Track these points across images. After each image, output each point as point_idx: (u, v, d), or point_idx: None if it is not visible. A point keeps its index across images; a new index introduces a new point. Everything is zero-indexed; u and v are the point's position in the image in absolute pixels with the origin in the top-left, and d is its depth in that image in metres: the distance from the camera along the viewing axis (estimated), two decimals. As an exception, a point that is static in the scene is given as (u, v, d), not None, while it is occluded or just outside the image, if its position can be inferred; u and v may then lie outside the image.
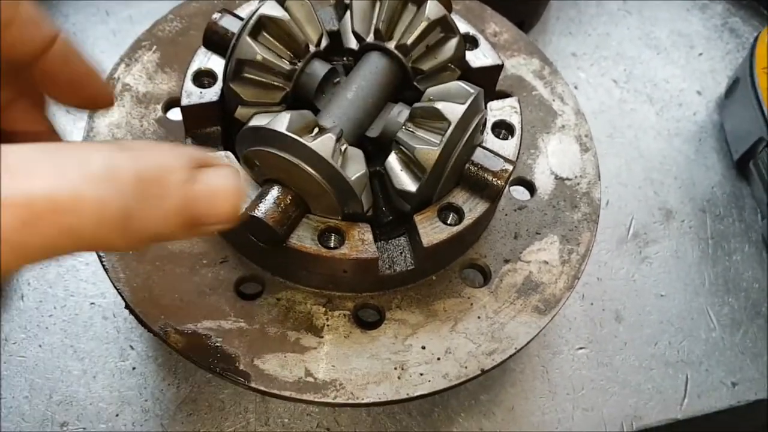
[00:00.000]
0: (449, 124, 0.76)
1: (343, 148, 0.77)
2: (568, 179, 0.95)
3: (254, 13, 0.81)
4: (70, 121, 1.07)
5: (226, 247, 0.86)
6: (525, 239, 0.90)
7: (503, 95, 1.02)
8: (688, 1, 1.44)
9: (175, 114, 0.94)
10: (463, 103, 0.78)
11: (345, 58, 0.95)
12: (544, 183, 0.95)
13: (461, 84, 0.80)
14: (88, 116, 0.92)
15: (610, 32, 1.36)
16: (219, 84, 0.86)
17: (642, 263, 1.12)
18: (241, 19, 0.85)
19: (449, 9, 0.90)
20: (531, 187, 0.94)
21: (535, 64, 1.05)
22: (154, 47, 0.99)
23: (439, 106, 0.77)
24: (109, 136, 0.91)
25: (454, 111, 0.77)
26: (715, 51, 1.38)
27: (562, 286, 0.87)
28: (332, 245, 0.78)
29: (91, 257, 1.00)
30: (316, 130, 0.77)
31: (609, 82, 1.29)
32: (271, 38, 0.81)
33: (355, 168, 0.76)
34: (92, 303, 0.99)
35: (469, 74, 0.91)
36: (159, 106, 0.94)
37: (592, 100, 1.26)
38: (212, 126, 0.87)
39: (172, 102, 0.95)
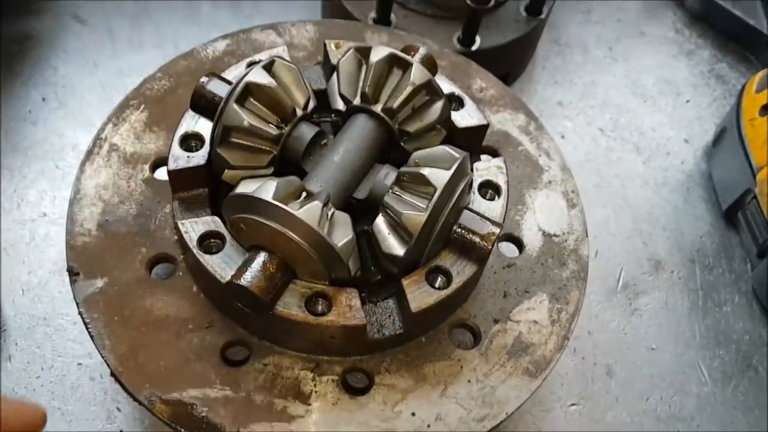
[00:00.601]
0: (435, 189, 0.76)
1: (330, 213, 0.77)
2: (555, 236, 0.95)
3: (241, 79, 0.81)
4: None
5: (212, 311, 0.85)
6: (514, 298, 0.90)
7: (490, 151, 1.03)
8: (675, 47, 1.46)
9: (163, 174, 0.94)
10: (448, 169, 0.78)
11: (332, 116, 0.96)
12: (532, 240, 0.95)
13: (447, 149, 0.81)
14: (75, 177, 0.92)
15: (596, 80, 1.37)
16: (206, 147, 0.86)
17: (632, 315, 1.12)
18: (229, 82, 0.86)
19: (434, 70, 0.91)
20: (519, 244, 0.94)
21: (521, 120, 1.05)
22: (142, 106, 0.99)
23: (425, 171, 0.77)
24: (96, 197, 0.91)
25: (439, 177, 0.77)
26: (702, 98, 1.39)
27: (553, 347, 0.86)
28: (319, 311, 0.78)
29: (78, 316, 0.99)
30: (303, 195, 0.77)
31: (595, 130, 1.30)
32: (258, 104, 0.82)
33: (342, 234, 0.76)
34: (79, 363, 0.98)
35: (455, 134, 0.92)
36: (146, 166, 0.94)
37: (579, 149, 1.27)
38: (199, 188, 0.87)
39: (160, 162, 0.95)
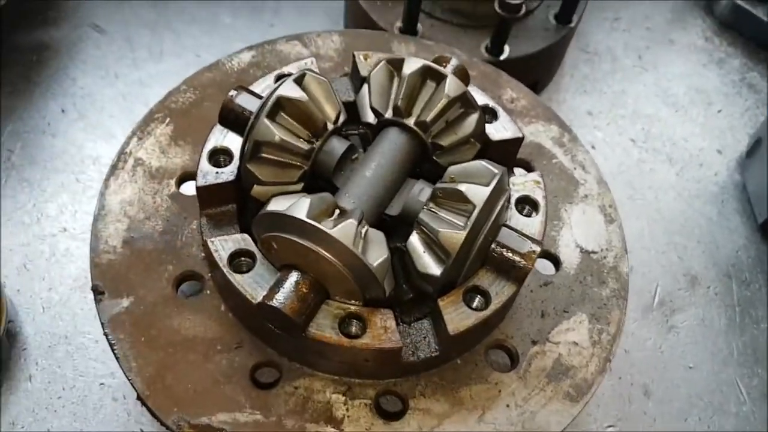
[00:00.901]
0: (474, 207, 0.73)
1: (363, 231, 0.74)
2: (593, 252, 0.92)
3: (272, 93, 0.79)
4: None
5: (241, 330, 0.83)
6: (552, 318, 0.87)
7: (523, 164, 1.00)
8: (705, 55, 1.42)
9: (189, 189, 0.91)
10: (487, 185, 0.75)
11: (360, 128, 0.93)
12: (569, 256, 0.92)
13: (484, 163, 0.78)
14: (99, 193, 0.89)
15: (625, 89, 1.34)
16: (235, 162, 0.83)
17: (669, 333, 1.08)
18: (258, 96, 0.83)
19: (467, 81, 0.88)
20: (556, 261, 0.91)
21: (554, 131, 1.02)
22: (168, 119, 0.97)
23: (463, 188, 0.74)
24: (121, 213, 0.88)
25: (478, 193, 0.74)
26: (734, 107, 1.36)
27: (594, 370, 0.83)
28: (353, 333, 0.75)
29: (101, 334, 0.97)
30: (337, 212, 0.75)
31: (627, 141, 1.27)
32: (289, 118, 0.79)
33: (377, 253, 0.73)
34: (102, 383, 0.96)
35: (489, 147, 0.89)
36: (172, 181, 0.92)
37: (610, 160, 1.24)
38: (228, 204, 0.85)
39: (186, 176, 0.93)
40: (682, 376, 1.06)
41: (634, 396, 1.02)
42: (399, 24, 1.18)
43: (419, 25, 1.18)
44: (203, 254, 0.87)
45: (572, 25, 1.21)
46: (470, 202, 0.74)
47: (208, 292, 0.85)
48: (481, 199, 0.74)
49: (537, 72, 1.25)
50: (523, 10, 1.07)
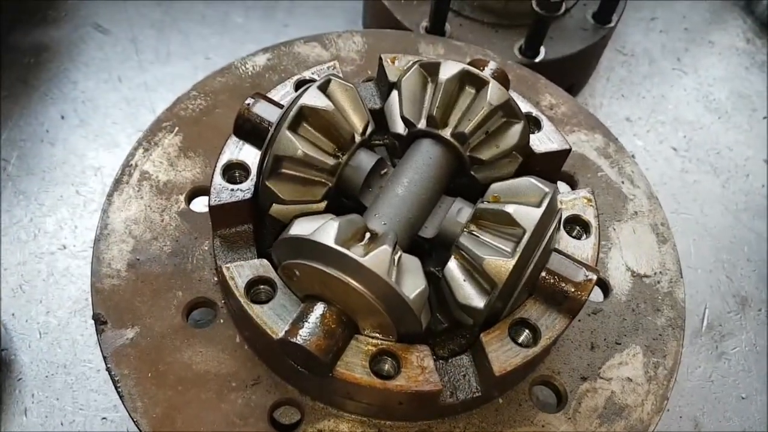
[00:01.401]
0: (524, 231, 0.65)
1: (397, 257, 0.65)
2: (646, 276, 0.84)
3: (294, 102, 0.70)
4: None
5: (258, 364, 0.74)
6: (603, 351, 0.78)
7: (565, 178, 0.91)
8: (746, 58, 1.34)
9: (200, 204, 0.83)
10: (538, 206, 0.66)
11: (385, 137, 0.85)
12: (619, 281, 0.83)
13: (533, 181, 0.69)
14: (102, 209, 0.81)
15: (665, 94, 1.25)
16: (252, 178, 0.75)
17: (719, 360, 1.00)
18: (277, 104, 0.75)
19: (506, 86, 0.80)
20: (605, 287, 0.83)
21: (599, 141, 0.94)
22: (176, 128, 0.88)
23: (510, 210, 0.66)
24: (125, 233, 0.80)
25: (528, 216, 0.65)
26: (780, 113, 1.27)
27: (650, 409, 0.75)
28: (386, 372, 0.67)
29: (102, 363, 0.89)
30: (367, 236, 0.66)
31: (669, 150, 1.18)
32: (312, 129, 0.71)
33: (414, 283, 0.65)
34: (104, 418, 0.88)
35: (531, 159, 0.80)
36: (182, 197, 0.84)
37: (652, 170, 1.15)
38: (243, 224, 0.76)
39: (197, 191, 0.85)
40: (735, 407, 0.97)
41: (685, 430, 0.93)
42: (425, 23, 1.09)
43: (447, 25, 1.09)
44: (216, 279, 0.79)
45: (611, 25, 1.12)
46: (519, 226, 0.65)
47: (222, 320, 0.76)
48: (531, 223, 0.65)
49: (573, 75, 1.16)
50: (563, 9, 0.98)
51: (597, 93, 1.23)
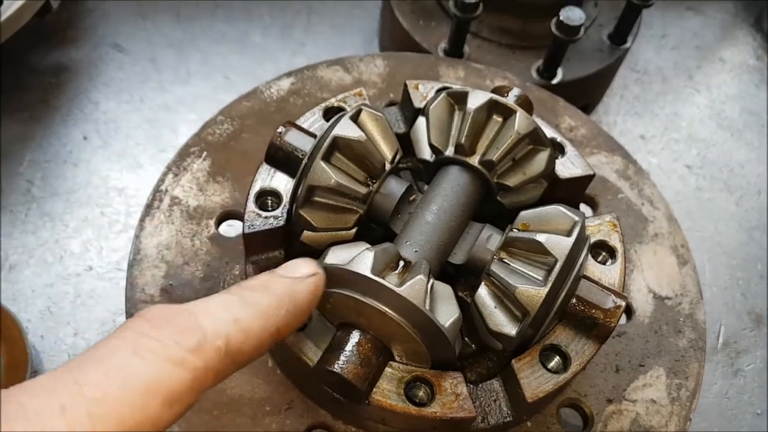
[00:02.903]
0: (555, 260, 0.66)
1: (429, 285, 0.67)
2: (668, 298, 0.85)
3: (327, 132, 0.72)
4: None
5: (290, 389, 0.76)
6: (628, 373, 0.80)
7: (587, 199, 0.93)
8: (756, 75, 1.35)
9: (229, 229, 0.85)
10: (568, 235, 0.68)
11: (408, 161, 0.87)
12: (642, 303, 0.84)
13: (562, 209, 0.71)
14: (134, 235, 0.82)
15: (678, 111, 1.27)
16: (284, 205, 0.76)
17: (735, 377, 1.01)
18: (309, 133, 0.77)
19: (530, 111, 0.81)
20: (629, 310, 0.84)
21: (618, 163, 0.95)
22: (204, 153, 0.90)
23: (542, 238, 0.67)
24: (158, 258, 0.81)
25: (560, 245, 0.67)
26: (790, 130, 1.29)
27: (674, 431, 0.76)
28: (419, 398, 0.68)
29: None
30: (401, 264, 0.68)
31: (683, 168, 1.20)
32: (344, 159, 0.72)
33: (448, 312, 0.66)
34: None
35: (555, 185, 0.82)
36: (212, 222, 0.85)
37: (667, 188, 1.17)
38: (275, 250, 0.78)
39: (226, 216, 0.86)
40: (751, 423, 0.99)
41: (703, 448, 0.95)
42: (443, 45, 1.11)
43: (465, 46, 1.10)
44: (247, 303, 0.80)
45: (627, 45, 1.13)
46: (551, 255, 0.66)
47: (254, 345, 0.78)
48: (563, 252, 0.66)
49: (589, 95, 1.18)
50: (582, 33, 1.00)
51: (611, 111, 1.24)
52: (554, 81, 1.10)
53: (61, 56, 1.22)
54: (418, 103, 0.84)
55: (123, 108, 1.17)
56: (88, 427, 0.42)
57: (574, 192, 0.84)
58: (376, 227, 0.79)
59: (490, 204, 0.80)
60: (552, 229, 0.70)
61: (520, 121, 0.75)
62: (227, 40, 1.25)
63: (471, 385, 0.74)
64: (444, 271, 0.75)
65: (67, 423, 0.41)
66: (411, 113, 0.85)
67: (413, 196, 0.78)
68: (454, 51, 1.09)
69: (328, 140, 0.71)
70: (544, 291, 0.65)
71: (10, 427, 0.40)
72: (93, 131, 1.14)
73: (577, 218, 0.70)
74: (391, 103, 0.97)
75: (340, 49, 1.25)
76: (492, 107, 0.76)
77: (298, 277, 0.58)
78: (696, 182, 1.19)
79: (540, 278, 0.66)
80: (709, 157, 1.22)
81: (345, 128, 0.72)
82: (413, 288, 0.64)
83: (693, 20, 1.39)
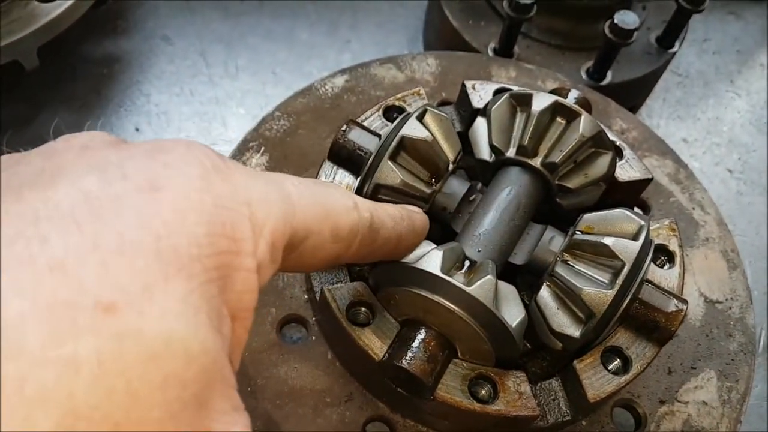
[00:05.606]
0: (623, 264, 0.67)
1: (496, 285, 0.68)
2: (718, 302, 0.86)
3: (393, 131, 0.73)
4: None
5: (350, 381, 0.77)
6: (680, 375, 0.81)
7: (640, 202, 0.94)
8: (798, 80, 1.36)
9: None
10: (635, 239, 0.69)
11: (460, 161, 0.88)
12: (693, 307, 0.86)
13: (627, 213, 0.72)
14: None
15: (720, 116, 1.27)
16: (347, 202, 0.78)
17: (777, 380, 1.02)
18: (372, 132, 0.78)
19: (589, 112, 0.82)
20: (680, 313, 0.85)
21: (669, 167, 0.96)
22: (262, 149, 0.91)
23: (609, 242, 0.68)
24: (218, 251, 0.83)
25: (628, 249, 0.68)
26: (829, 137, 1.29)
27: (726, 433, 0.78)
28: (482, 396, 0.70)
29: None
30: (466, 264, 0.69)
31: (724, 172, 1.20)
32: (410, 158, 0.74)
33: (514, 311, 0.68)
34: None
35: (612, 187, 0.83)
36: (270, 216, 0.86)
37: (709, 192, 1.17)
38: (336, 247, 0.79)
39: (284, 211, 0.88)
40: (791, 427, 1.00)
41: (746, 451, 0.96)
42: (493, 45, 1.12)
43: (515, 47, 1.11)
44: (306, 297, 0.81)
45: (675, 50, 1.14)
46: (618, 258, 0.68)
47: (314, 337, 0.80)
48: (631, 256, 0.67)
49: (635, 97, 1.19)
50: (635, 37, 1.00)
51: (654, 114, 1.25)
52: (603, 83, 1.11)
53: (113, 47, 1.23)
54: (477, 103, 0.85)
55: (174, 101, 1.19)
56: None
57: (631, 195, 0.86)
58: (436, 225, 0.80)
59: (546, 205, 0.81)
60: (616, 232, 0.71)
61: (585, 124, 0.76)
62: (274, 36, 1.27)
63: (531, 385, 0.75)
64: (506, 272, 0.76)
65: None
66: (467, 113, 0.86)
67: (473, 196, 0.79)
68: (505, 51, 1.10)
69: (396, 140, 0.72)
70: (611, 294, 0.67)
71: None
72: (145, 123, 1.15)
73: (643, 222, 0.71)
74: (444, 102, 0.98)
75: (385, 46, 1.26)
76: (557, 110, 0.77)
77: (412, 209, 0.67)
78: (737, 186, 1.20)
79: (606, 281, 0.68)
80: (750, 162, 1.23)
81: (412, 128, 0.73)
82: (482, 287, 0.65)
83: (734, 25, 1.39)
